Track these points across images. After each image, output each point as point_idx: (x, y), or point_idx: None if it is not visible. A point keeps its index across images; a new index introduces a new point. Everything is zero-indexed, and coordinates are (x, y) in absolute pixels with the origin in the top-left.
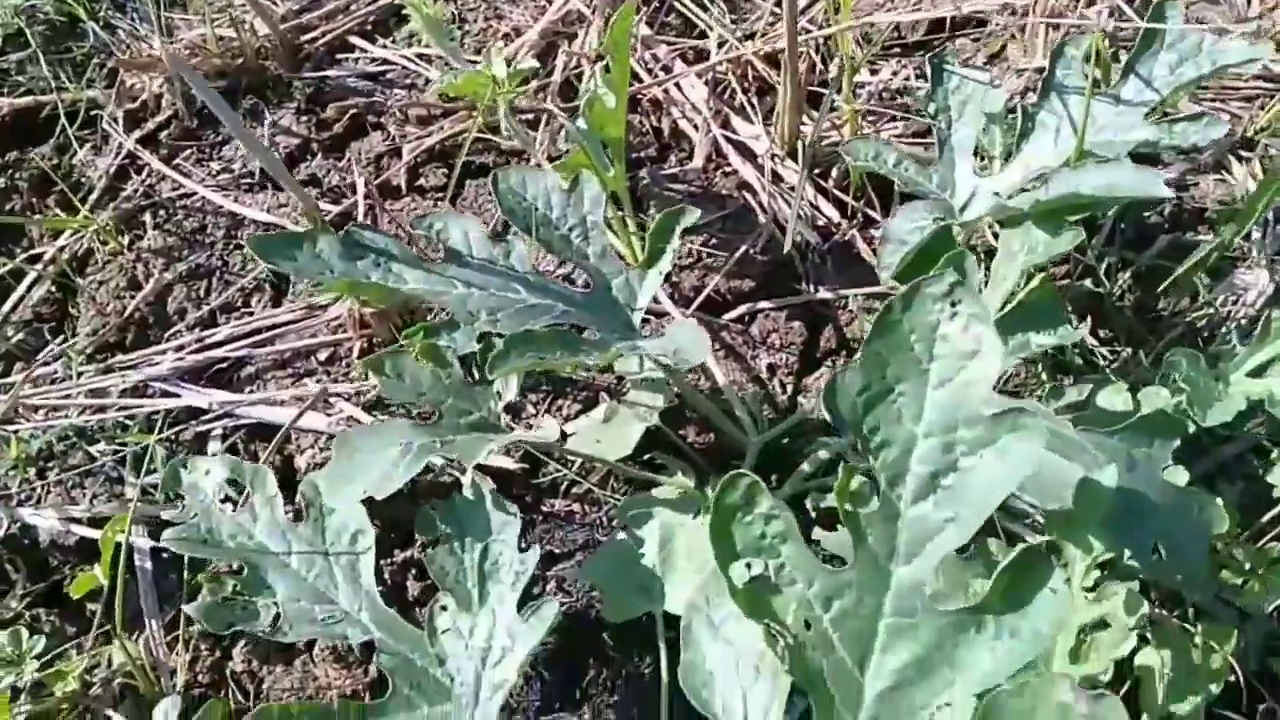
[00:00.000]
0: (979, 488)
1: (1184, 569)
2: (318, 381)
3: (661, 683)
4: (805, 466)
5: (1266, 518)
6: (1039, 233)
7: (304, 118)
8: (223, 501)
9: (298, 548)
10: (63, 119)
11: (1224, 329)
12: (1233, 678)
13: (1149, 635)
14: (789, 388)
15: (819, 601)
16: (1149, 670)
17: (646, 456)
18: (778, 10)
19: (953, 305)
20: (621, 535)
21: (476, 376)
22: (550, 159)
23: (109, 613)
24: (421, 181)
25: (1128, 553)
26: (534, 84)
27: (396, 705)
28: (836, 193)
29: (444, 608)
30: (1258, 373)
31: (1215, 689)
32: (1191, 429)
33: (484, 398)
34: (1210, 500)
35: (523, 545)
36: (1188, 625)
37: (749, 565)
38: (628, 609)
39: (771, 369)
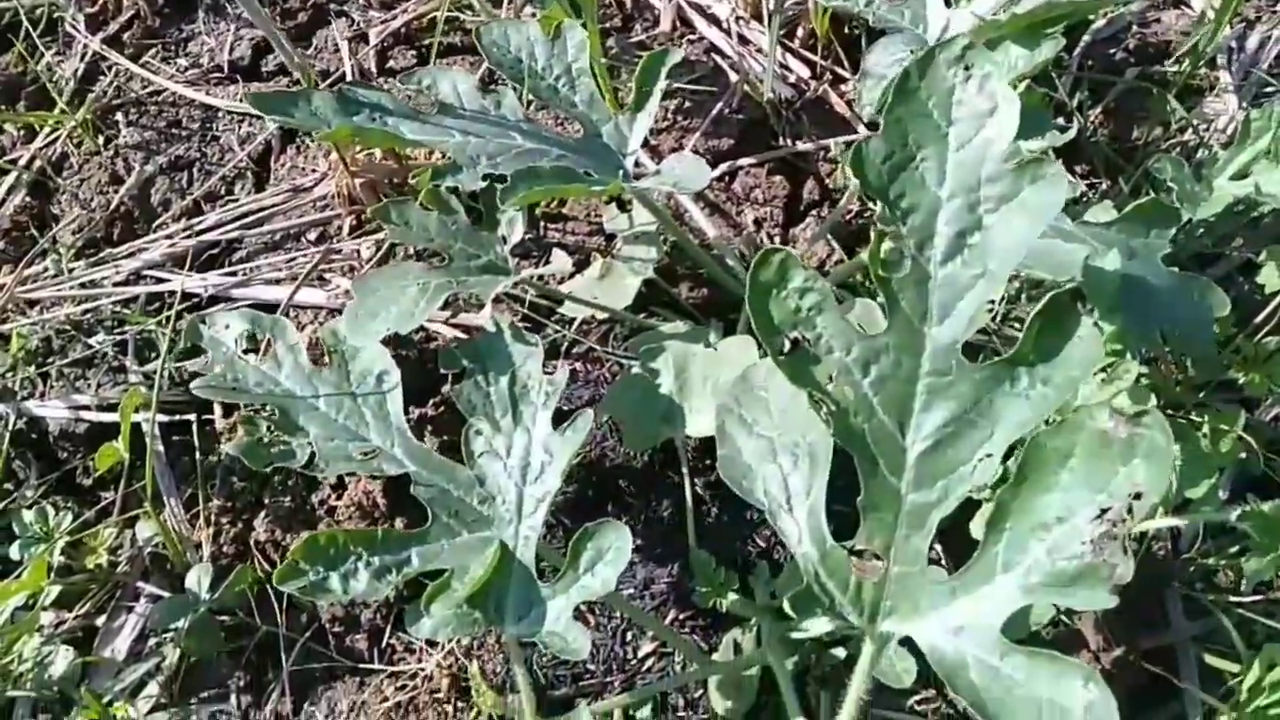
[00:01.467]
0: (1004, 242)
1: (1192, 349)
2: (305, 256)
3: (686, 508)
4: None
5: (1260, 316)
6: (1017, 49)
7: (267, 9)
8: (243, 354)
9: (324, 391)
10: (25, 24)
11: (1198, 154)
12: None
13: None
14: (776, 239)
15: (858, 367)
16: None
17: (643, 315)
18: None
19: (966, 69)
20: (635, 369)
21: (480, 224)
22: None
23: (127, 494)
24: (391, 63)
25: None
26: None
27: (439, 531)
28: (804, 52)
29: (478, 432)
30: (1240, 176)
31: (1225, 473)
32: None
33: (490, 242)
34: (1210, 285)
35: (548, 370)
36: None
37: (788, 338)
38: (649, 436)
39: (758, 223)
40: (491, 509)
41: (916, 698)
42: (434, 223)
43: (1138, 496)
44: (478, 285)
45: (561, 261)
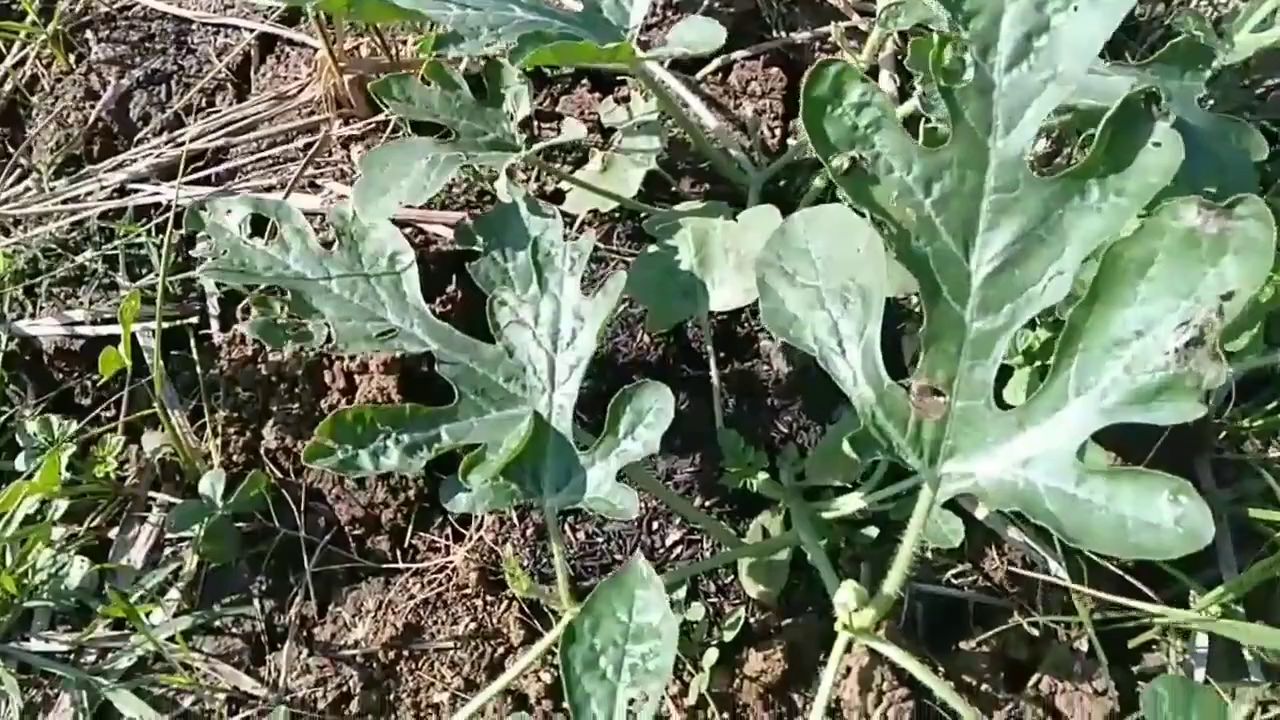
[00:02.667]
0: (1075, 39)
1: (1235, 188)
2: (300, 165)
3: (712, 389)
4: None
5: None
6: None
7: None
8: (249, 239)
9: (336, 272)
10: None
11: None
12: None
13: None
14: (777, 131)
15: (919, 186)
16: None
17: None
18: None
19: None
20: (653, 248)
21: (488, 94)
22: None
23: (130, 410)
24: None
25: None
26: None
27: (467, 409)
28: None
29: (502, 302)
30: (1262, 27)
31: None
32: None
33: (496, 118)
34: (1248, 128)
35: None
36: None
37: (845, 157)
38: (672, 314)
39: (758, 114)
40: (522, 380)
41: (953, 571)
42: (437, 98)
43: (1228, 297)
44: (488, 159)
45: (575, 129)
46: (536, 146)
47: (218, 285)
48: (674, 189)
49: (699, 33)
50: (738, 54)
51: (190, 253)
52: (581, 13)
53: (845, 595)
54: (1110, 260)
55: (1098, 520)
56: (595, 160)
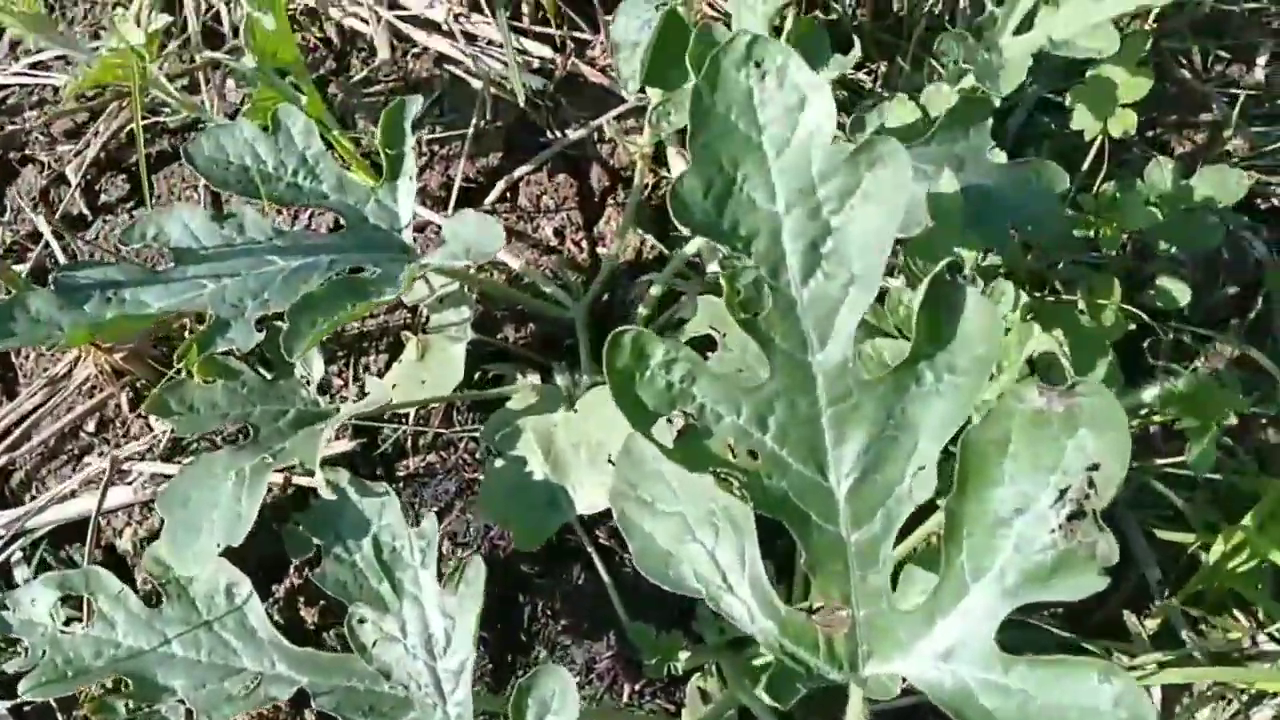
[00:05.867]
0: (862, 238)
1: (1047, 234)
2: (100, 454)
3: (607, 586)
4: (642, 310)
5: (1085, 165)
6: None
7: None
8: (65, 625)
9: (173, 633)
10: None
11: (966, 13)
12: (1132, 326)
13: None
14: (584, 244)
15: (754, 425)
16: (1050, 355)
17: (478, 376)
18: None
19: (758, 65)
20: (498, 462)
21: (273, 373)
22: (231, 115)
23: None
24: (105, 198)
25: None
26: (174, 44)
27: None
28: (538, 29)
29: (361, 620)
30: (1023, 28)
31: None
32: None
33: (291, 389)
34: (1042, 164)
35: (410, 520)
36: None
37: (669, 420)
38: (540, 530)
39: (559, 233)
40: (408, 696)
41: None
42: (221, 395)
43: (1095, 468)
44: (298, 448)
45: (378, 389)
46: (345, 412)
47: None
48: (501, 338)
49: (476, 235)
50: (520, 170)
51: (4, 668)
52: (348, 231)
53: None
54: (969, 446)
55: (1037, 711)
56: (410, 347)
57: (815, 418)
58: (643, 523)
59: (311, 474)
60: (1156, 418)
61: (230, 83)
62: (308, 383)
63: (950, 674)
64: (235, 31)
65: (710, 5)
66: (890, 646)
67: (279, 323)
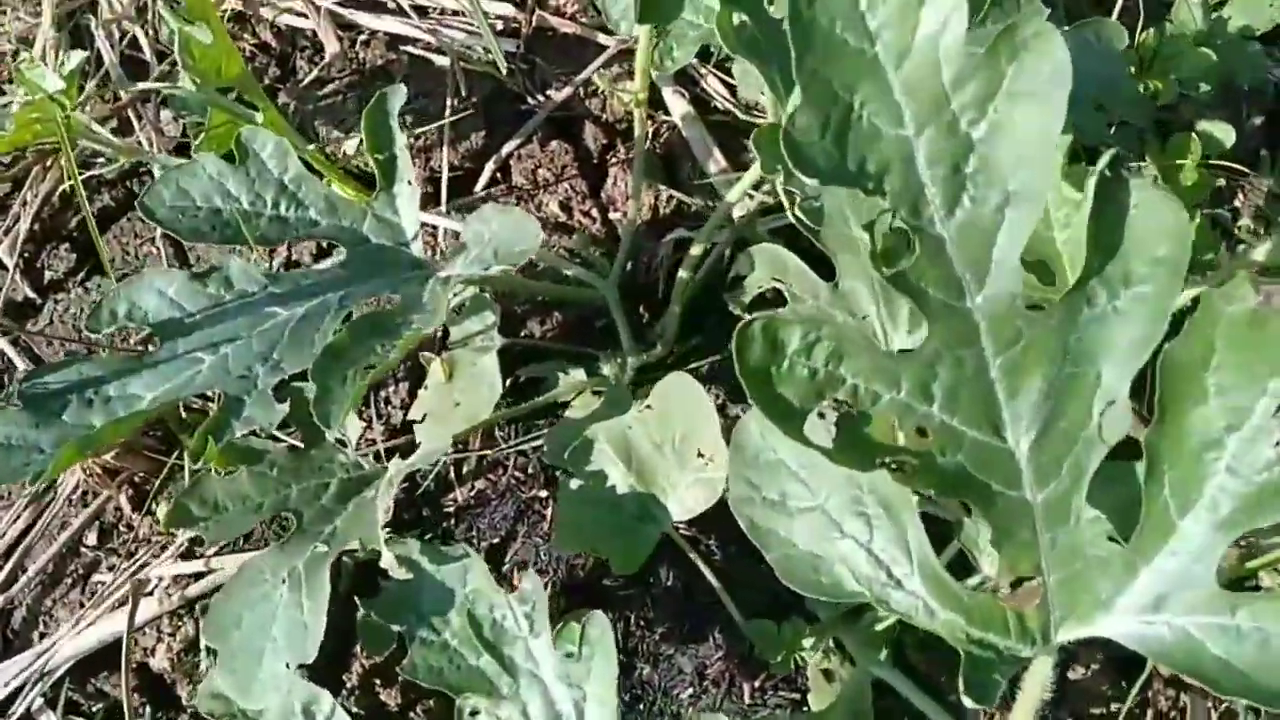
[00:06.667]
0: (1014, 147)
1: (1121, 98)
2: (109, 568)
3: (714, 585)
4: (683, 274)
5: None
6: None
7: None
8: None
9: None
10: None
11: None
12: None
13: None
14: (594, 213)
15: (918, 396)
16: None
17: (510, 382)
18: None
19: None
20: (573, 483)
21: (305, 440)
22: (177, 151)
23: None
24: (50, 274)
25: None
26: (91, 84)
27: None
28: None
29: (474, 713)
30: None
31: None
32: None
33: (327, 458)
34: (1099, 21)
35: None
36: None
37: (821, 414)
38: (639, 551)
39: (565, 206)
40: None
41: None
42: (249, 484)
43: None
44: (352, 527)
45: (433, 437)
46: (395, 469)
47: None
48: (530, 336)
49: (507, 234)
50: (507, 147)
51: None
52: (351, 256)
53: None
54: (1167, 368)
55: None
56: (435, 369)
57: (983, 370)
58: (778, 527)
59: (376, 554)
60: None
61: (165, 114)
62: (344, 444)
63: (1166, 625)
64: (160, 56)
65: None
66: (1089, 607)
67: (300, 383)
